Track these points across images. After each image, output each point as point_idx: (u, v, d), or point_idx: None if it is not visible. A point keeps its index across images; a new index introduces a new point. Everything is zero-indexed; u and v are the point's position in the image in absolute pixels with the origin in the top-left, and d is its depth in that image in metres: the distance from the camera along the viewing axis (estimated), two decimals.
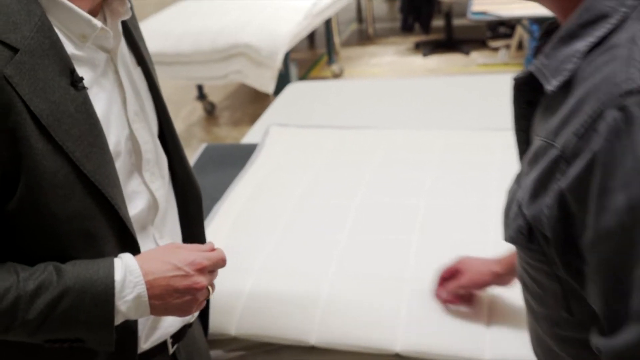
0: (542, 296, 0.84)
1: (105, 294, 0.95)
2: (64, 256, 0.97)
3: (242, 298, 1.52)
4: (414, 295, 1.47)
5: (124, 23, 1.10)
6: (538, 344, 0.94)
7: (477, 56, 5.47)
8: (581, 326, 0.79)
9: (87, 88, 0.97)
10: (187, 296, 1.01)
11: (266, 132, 2.37)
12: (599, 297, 0.70)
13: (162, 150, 1.17)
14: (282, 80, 4.21)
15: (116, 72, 1.05)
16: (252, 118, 4.88)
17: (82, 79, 0.96)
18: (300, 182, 1.96)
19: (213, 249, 1.07)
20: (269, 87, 4.11)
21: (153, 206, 1.11)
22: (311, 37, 6.26)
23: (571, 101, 0.69)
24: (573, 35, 0.72)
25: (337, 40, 5.83)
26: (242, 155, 2.14)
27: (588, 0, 0.71)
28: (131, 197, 1.06)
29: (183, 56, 4.18)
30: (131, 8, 1.12)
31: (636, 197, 0.63)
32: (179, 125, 4.84)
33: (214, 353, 1.51)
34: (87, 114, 0.96)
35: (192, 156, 2.65)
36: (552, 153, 0.71)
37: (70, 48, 0.97)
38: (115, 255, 1.01)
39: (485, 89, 2.66)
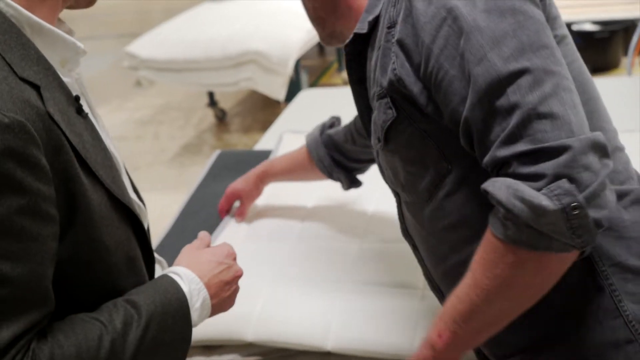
0: (421, 173, 1.10)
1: (182, 309, 0.96)
2: (114, 288, 0.94)
3: (258, 304, 1.53)
4: (430, 301, 1.47)
5: None
6: (434, 270, 1.20)
7: None
8: (463, 180, 1.05)
9: (88, 113, 0.95)
10: (233, 286, 1.07)
11: (280, 138, 2.37)
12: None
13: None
14: (293, 88, 4.22)
15: (83, 95, 1.01)
16: (263, 125, 4.90)
17: (82, 105, 0.93)
18: (315, 188, 1.96)
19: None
20: (279, 94, 4.12)
21: (142, 211, 1.09)
22: (321, 44, 6.26)
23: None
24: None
25: None
26: (255, 162, 2.14)
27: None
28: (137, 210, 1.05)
29: (194, 63, 4.20)
30: None
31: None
32: (191, 132, 4.86)
33: (229, 358, 1.51)
34: (98, 139, 0.95)
35: (205, 163, 2.66)
36: (382, 47, 1.10)
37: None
38: (144, 272, 1.01)
39: None
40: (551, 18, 1.03)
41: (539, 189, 0.84)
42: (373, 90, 1.14)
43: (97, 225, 0.89)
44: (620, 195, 1.02)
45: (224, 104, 5.12)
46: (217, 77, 4.22)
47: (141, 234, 1.01)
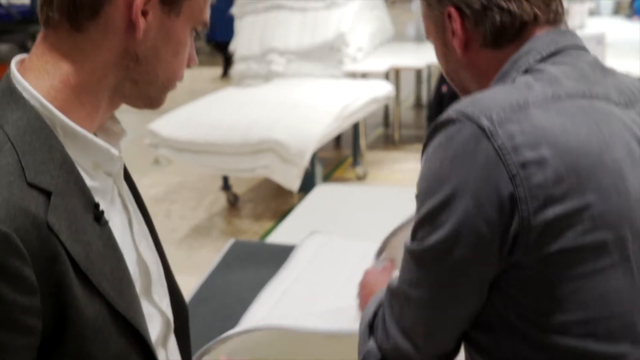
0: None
1: None
2: None
3: None
4: None
5: None
6: None
7: None
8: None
9: (108, 221, 0.92)
10: None
11: (307, 236, 2.32)
12: None
13: (162, 265, 1.11)
14: (307, 179, 4.26)
15: (120, 195, 1.01)
16: (274, 213, 4.92)
17: (103, 212, 0.91)
18: (333, 294, 1.94)
19: None
20: (294, 184, 4.16)
21: (166, 325, 1.06)
22: (338, 138, 6.36)
23: None
24: None
25: (363, 143, 5.92)
26: (269, 255, 2.14)
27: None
28: (147, 322, 0.99)
29: (213, 146, 4.26)
30: None
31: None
32: (202, 214, 4.87)
33: None
34: (113, 249, 0.92)
35: (213, 248, 2.66)
36: None
37: (87, 180, 0.91)
38: None
39: None
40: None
41: None
42: None
43: (88, 338, 0.85)
44: None
45: (237, 188, 5.15)
46: (235, 162, 4.27)
47: (145, 347, 0.95)
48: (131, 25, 0.89)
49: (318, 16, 5.92)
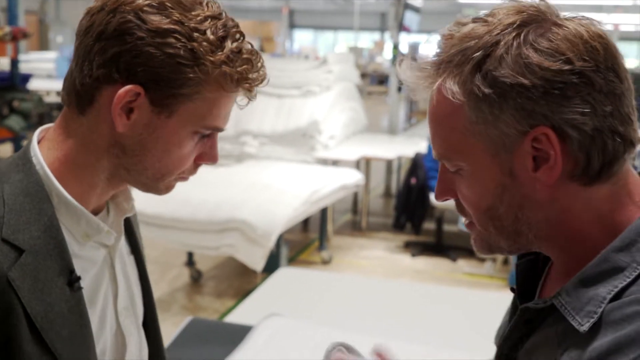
0: None
1: None
2: None
3: None
4: None
5: None
6: None
7: (463, 264, 5.60)
8: None
9: (82, 288, 0.96)
10: None
11: (265, 318, 2.35)
12: None
13: (145, 340, 1.14)
14: (272, 260, 4.29)
15: (112, 267, 1.05)
16: (237, 291, 4.91)
17: (79, 278, 0.95)
18: None
19: None
20: (258, 264, 4.19)
21: None
22: (305, 221, 6.42)
23: (604, 341, 0.78)
24: (593, 281, 0.82)
25: (330, 227, 5.99)
26: (227, 335, 2.16)
27: (605, 253, 0.82)
28: None
29: (179, 222, 4.29)
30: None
31: None
32: (164, 288, 4.85)
33: None
34: (80, 314, 0.95)
35: (172, 323, 2.66)
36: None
37: (73, 247, 0.96)
38: None
39: (469, 305, 2.74)
40: None
41: None
42: None
43: None
44: None
45: (201, 265, 5.16)
46: (200, 239, 4.30)
47: None
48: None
49: (294, 103, 6.10)
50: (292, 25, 27.39)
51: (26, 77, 6.04)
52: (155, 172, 0.98)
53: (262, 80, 0.98)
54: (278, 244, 4.42)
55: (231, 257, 5.02)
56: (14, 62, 5.44)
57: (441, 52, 0.84)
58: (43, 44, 18.05)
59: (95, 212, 1.02)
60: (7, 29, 4.96)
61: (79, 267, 0.96)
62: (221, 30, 0.93)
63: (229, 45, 0.93)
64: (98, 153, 0.96)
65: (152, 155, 0.96)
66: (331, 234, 6.08)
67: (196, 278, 5.02)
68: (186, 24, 0.91)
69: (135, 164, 0.97)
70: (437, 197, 0.92)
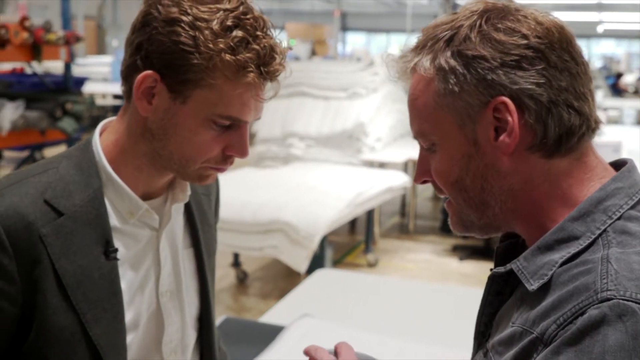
0: None
1: None
2: None
3: None
4: None
5: (187, 204, 1.17)
6: None
7: None
8: None
9: (119, 259, 1.04)
10: None
11: (297, 318, 2.35)
12: None
13: (194, 332, 1.20)
14: (317, 262, 4.29)
15: (157, 250, 1.12)
16: (282, 293, 4.91)
17: (116, 250, 1.04)
18: None
19: None
20: (301, 266, 4.19)
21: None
22: (352, 223, 6.41)
23: (549, 299, 0.83)
24: (549, 248, 0.87)
25: (377, 230, 5.96)
26: (259, 335, 2.16)
27: (562, 222, 0.87)
28: None
29: (224, 223, 4.30)
30: (206, 193, 1.23)
31: None
32: None
33: None
34: (111, 282, 1.03)
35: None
36: (530, 338, 0.83)
37: (114, 221, 1.05)
38: None
39: None
40: None
41: None
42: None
43: (48, 343, 0.99)
44: None
45: (247, 266, 5.20)
46: (244, 240, 4.33)
47: None
48: None
49: (340, 105, 6.09)
50: (345, 28, 27.39)
51: (81, 81, 6.19)
52: (179, 157, 1.04)
53: (273, 73, 1.01)
54: (322, 246, 4.42)
55: (277, 259, 5.05)
56: (67, 66, 5.58)
57: (418, 41, 0.92)
58: (100, 48, 18.51)
59: (152, 197, 1.11)
60: (61, 33, 5.09)
61: (119, 241, 1.05)
62: (230, 21, 0.98)
63: (236, 34, 0.97)
64: (136, 137, 1.05)
65: (174, 141, 1.03)
66: (378, 236, 6.05)
67: (242, 279, 5.06)
68: (192, 14, 0.97)
69: (162, 148, 1.04)
70: (415, 180, 0.98)
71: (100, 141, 1.08)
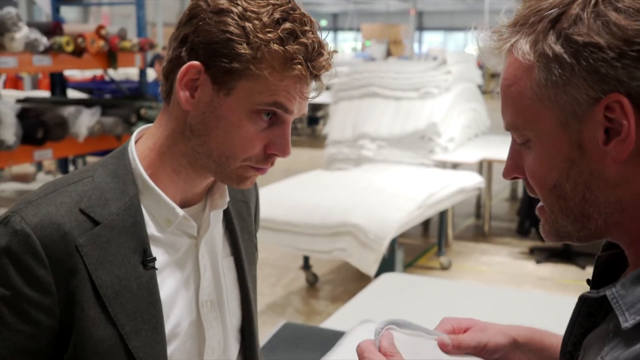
0: None
1: None
2: None
3: None
4: None
5: (226, 212, 1.15)
6: None
7: None
8: None
9: (157, 269, 1.02)
10: None
11: (357, 324, 2.31)
12: None
13: (236, 343, 1.18)
14: (387, 265, 4.23)
15: (196, 258, 1.09)
16: (352, 296, 4.86)
17: (154, 259, 1.01)
18: None
19: None
20: (371, 269, 4.14)
21: None
22: (426, 225, 6.31)
23: None
24: None
25: (450, 232, 5.84)
26: (318, 341, 2.13)
27: None
28: None
29: (293, 226, 4.33)
30: (244, 201, 1.20)
31: None
32: (279, 291, 4.92)
33: None
34: (149, 292, 1.01)
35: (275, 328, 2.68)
36: None
37: (152, 229, 1.03)
38: None
39: None
40: None
41: None
42: None
43: (88, 355, 0.97)
44: None
45: (318, 269, 5.18)
46: (313, 243, 4.31)
47: None
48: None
49: (411, 105, 6.00)
50: (421, 28, 27.13)
51: (156, 86, 6.34)
52: (219, 154, 1.01)
53: (319, 69, 0.99)
54: (392, 248, 4.35)
55: (347, 262, 5.02)
56: (142, 72, 5.71)
57: (517, 14, 0.78)
58: None
59: (190, 204, 1.09)
60: (135, 40, 5.21)
61: (157, 250, 1.03)
62: (278, 13, 0.97)
63: (284, 26, 0.96)
64: (175, 136, 1.03)
65: (215, 135, 1.00)
66: (451, 238, 5.93)
67: (312, 282, 5.05)
68: (242, 5, 0.96)
69: (201, 145, 1.02)
70: (504, 175, 0.84)
71: (136, 147, 1.06)
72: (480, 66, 8.48)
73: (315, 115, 12.26)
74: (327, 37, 1.03)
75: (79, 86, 8.24)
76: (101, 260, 0.98)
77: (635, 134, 0.71)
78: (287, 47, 0.96)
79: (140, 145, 1.06)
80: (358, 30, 25.28)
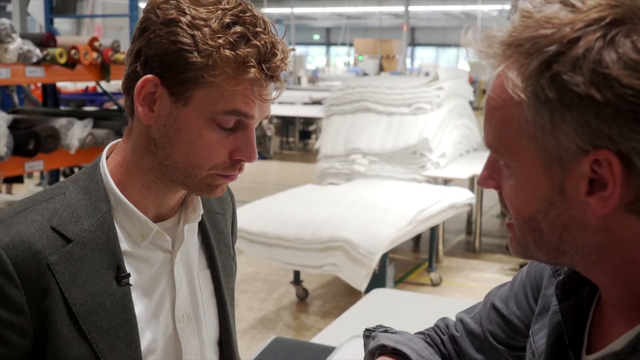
0: None
1: None
2: None
3: None
4: None
5: (202, 224, 1.15)
6: None
7: None
8: None
9: (131, 285, 1.01)
10: None
11: (348, 339, 2.30)
12: None
13: (215, 357, 1.17)
14: (378, 280, 4.22)
15: (171, 273, 1.09)
16: (342, 312, 4.84)
17: (128, 275, 1.01)
18: None
19: None
20: (361, 285, 4.13)
21: None
22: (417, 240, 6.32)
23: None
24: None
25: (440, 248, 5.85)
26: (309, 356, 2.12)
27: None
28: None
29: (284, 240, 4.32)
30: (221, 211, 1.19)
31: None
32: (270, 306, 4.90)
33: None
34: (124, 308, 1.00)
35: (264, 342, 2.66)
36: None
37: (125, 245, 1.02)
38: None
39: None
40: None
41: None
42: None
43: None
44: None
45: (308, 284, 5.17)
46: (304, 257, 4.30)
47: None
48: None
49: (403, 121, 6.02)
50: (414, 43, 27.28)
51: None
52: (185, 165, 1.01)
53: (275, 70, 0.98)
54: (383, 264, 4.35)
55: (338, 277, 5.01)
56: None
57: (514, 32, 0.72)
58: None
59: (164, 218, 1.08)
60: None
61: (131, 266, 1.02)
62: (228, 18, 0.96)
63: (235, 30, 0.96)
64: (141, 151, 1.03)
65: (178, 147, 1.00)
66: (442, 254, 5.93)
67: (302, 297, 5.03)
68: (190, 14, 0.96)
69: (166, 158, 1.01)
70: (479, 182, 0.81)
71: (107, 163, 1.06)
72: (472, 82, 8.53)
73: (307, 130, 12.29)
74: (284, 37, 1.02)
75: (72, 98, 8.25)
76: (74, 278, 0.96)
77: (620, 194, 0.68)
78: (238, 52, 0.95)
79: (110, 161, 1.06)
80: (351, 45, 25.40)
